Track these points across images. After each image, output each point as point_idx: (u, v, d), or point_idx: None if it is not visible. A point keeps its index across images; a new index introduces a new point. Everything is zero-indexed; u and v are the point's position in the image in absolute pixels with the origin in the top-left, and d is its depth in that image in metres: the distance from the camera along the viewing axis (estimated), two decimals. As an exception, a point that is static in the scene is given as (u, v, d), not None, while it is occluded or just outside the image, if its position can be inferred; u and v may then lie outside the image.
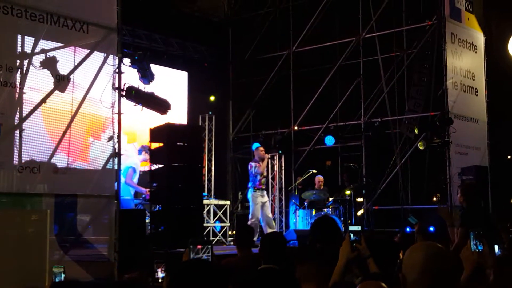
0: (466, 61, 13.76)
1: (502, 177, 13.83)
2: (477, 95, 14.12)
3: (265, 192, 12.35)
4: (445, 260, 2.42)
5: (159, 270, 4.42)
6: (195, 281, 2.22)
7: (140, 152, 11.28)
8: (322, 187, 13.83)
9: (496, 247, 4.45)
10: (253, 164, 12.35)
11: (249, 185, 12.40)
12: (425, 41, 13.65)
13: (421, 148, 13.15)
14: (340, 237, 5.53)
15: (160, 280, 4.49)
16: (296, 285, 3.98)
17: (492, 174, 13.62)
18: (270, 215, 12.36)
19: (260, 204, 12.11)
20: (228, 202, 14.64)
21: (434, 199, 15.22)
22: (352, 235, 3.97)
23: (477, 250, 3.81)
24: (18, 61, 7.54)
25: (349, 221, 13.57)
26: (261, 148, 12.65)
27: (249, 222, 12.09)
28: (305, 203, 13.37)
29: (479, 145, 13.90)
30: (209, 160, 15.64)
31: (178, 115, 14.36)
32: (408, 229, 11.49)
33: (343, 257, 3.88)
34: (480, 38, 14.48)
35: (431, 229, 8.44)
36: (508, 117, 14.39)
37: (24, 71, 7.50)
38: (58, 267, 4.33)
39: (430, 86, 13.63)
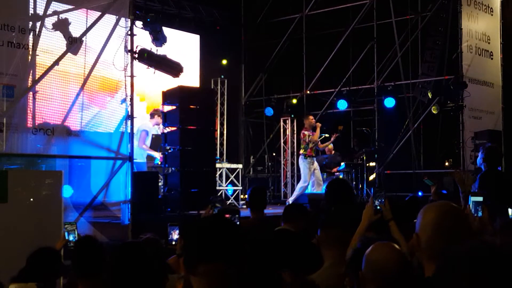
0: (481, 24, 13.57)
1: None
2: (492, 59, 13.96)
3: (314, 159, 12.58)
4: (458, 218, 2.40)
5: (172, 232, 4.43)
6: (212, 235, 2.23)
7: (152, 115, 11.27)
8: (333, 152, 13.84)
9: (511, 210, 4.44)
10: (306, 132, 12.46)
11: (301, 152, 12.58)
12: (440, 4, 13.44)
13: (434, 112, 13.06)
14: (354, 199, 5.56)
15: (173, 243, 4.50)
16: (309, 246, 4.01)
17: (506, 138, 13.54)
18: (320, 177, 12.57)
19: (312, 170, 12.41)
20: (240, 166, 14.67)
21: (447, 163, 15.19)
22: (375, 201, 4.02)
23: (476, 215, 3.80)
24: (31, 23, 7.53)
25: (360, 186, 13.60)
26: (311, 117, 12.74)
27: (300, 185, 12.48)
28: (317, 167, 13.38)
29: (493, 109, 13.80)
30: (221, 124, 15.65)
31: (190, 78, 14.30)
32: (420, 193, 11.51)
33: (366, 219, 3.93)
34: (496, 1, 14.24)
35: (444, 192, 8.44)
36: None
37: (37, 33, 7.49)
38: (71, 224, 4.36)
39: (445, 50, 13.47)
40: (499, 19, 14.26)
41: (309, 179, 12.40)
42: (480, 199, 3.96)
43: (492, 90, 13.85)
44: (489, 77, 13.74)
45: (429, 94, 13.07)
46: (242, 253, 2.23)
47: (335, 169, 13.69)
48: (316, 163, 12.60)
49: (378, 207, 3.98)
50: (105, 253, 3.96)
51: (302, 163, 12.52)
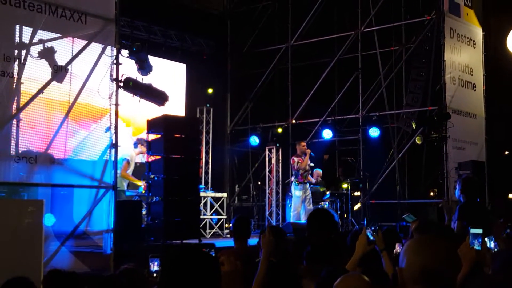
0: (464, 56, 13.76)
1: (498, 173, 13.85)
2: (475, 90, 14.13)
3: (307, 185, 12.57)
4: (448, 260, 2.39)
5: (151, 264, 4.38)
6: (187, 266, 2.23)
7: (135, 145, 11.25)
8: (319, 180, 13.86)
9: (492, 242, 4.45)
10: (295, 159, 12.55)
11: (292, 179, 12.65)
12: (423, 36, 13.64)
13: (418, 142, 13.15)
14: (336, 230, 5.54)
15: (154, 275, 4.45)
16: (291, 278, 4.00)
17: (489, 169, 13.64)
18: (310, 207, 12.49)
19: (302, 198, 12.40)
20: (225, 195, 14.65)
21: (431, 194, 15.25)
22: (369, 233, 4.00)
23: (475, 247, 3.80)
24: (16, 51, 7.53)
25: (345, 215, 13.60)
26: (303, 143, 12.83)
27: (291, 214, 12.53)
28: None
29: (477, 140, 13.93)
30: (207, 153, 15.63)
31: (176, 107, 14.35)
32: (405, 223, 11.54)
33: (360, 249, 3.92)
34: (478, 33, 14.47)
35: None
36: (505, 112, 14.40)
37: (22, 61, 7.49)
38: None
39: (428, 81, 13.62)
40: (481, 51, 14.48)
41: (300, 207, 12.36)
42: (479, 231, 3.94)
43: (475, 121, 13.99)
44: (472, 108, 13.90)
45: (413, 124, 13.17)
46: (217, 284, 2.24)
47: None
48: (308, 191, 12.59)
49: (372, 237, 3.98)
50: (82, 284, 3.93)
51: (293, 191, 12.53)
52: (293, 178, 12.72)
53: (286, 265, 4.37)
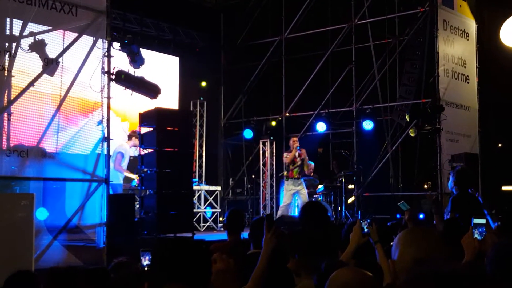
0: (458, 48, 13.75)
1: (492, 165, 13.86)
2: (468, 83, 14.12)
3: (300, 181, 12.40)
4: (441, 249, 2.37)
5: (143, 258, 4.33)
6: (176, 257, 2.20)
7: (129, 137, 11.21)
8: (312, 173, 13.83)
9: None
10: (285, 154, 12.55)
11: (284, 173, 12.62)
12: (417, 28, 13.61)
13: (412, 135, 13.15)
14: (329, 222, 5.53)
15: (146, 269, 4.40)
16: (284, 271, 3.97)
17: (482, 161, 13.65)
18: (305, 200, 12.38)
19: (292, 192, 12.27)
20: (219, 188, 14.62)
21: (425, 186, 15.26)
22: (365, 227, 3.98)
23: (478, 238, 3.78)
24: (7, 43, 7.47)
25: (339, 208, 13.59)
26: (294, 138, 12.74)
27: (279, 208, 12.48)
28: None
29: (470, 132, 13.93)
30: (200, 146, 15.60)
31: (169, 100, 14.29)
32: (398, 216, 11.54)
33: (354, 242, 3.91)
34: (472, 26, 14.46)
35: (421, 216, 8.46)
36: (499, 104, 14.39)
37: (13, 54, 7.43)
38: None
39: (422, 73, 13.61)
40: (474, 44, 14.46)
41: (288, 201, 12.31)
42: (482, 221, 3.93)
43: (468, 114, 13.99)
44: (465, 100, 13.89)
45: (406, 117, 13.15)
46: (207, 276, 2.22)
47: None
48: (301, 186, 12.46)
49: (366, 229, 3.96)
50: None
51: (283, 185, 12.56)
52: (284, 173, 12.72)
53: (282, 260, 4.34)
